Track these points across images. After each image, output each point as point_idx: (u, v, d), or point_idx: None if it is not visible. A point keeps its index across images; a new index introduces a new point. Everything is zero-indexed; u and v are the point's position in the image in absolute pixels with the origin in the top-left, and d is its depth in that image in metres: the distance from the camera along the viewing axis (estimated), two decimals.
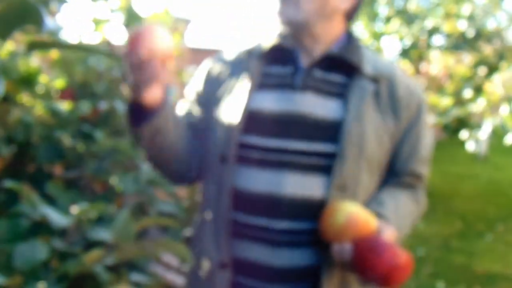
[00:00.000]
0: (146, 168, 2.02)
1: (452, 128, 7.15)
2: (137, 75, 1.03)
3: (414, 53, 8.56)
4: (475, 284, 3.95)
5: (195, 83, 1.31)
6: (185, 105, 1.31)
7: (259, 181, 1.13)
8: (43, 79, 2.17)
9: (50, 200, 1.58)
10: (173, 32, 2.88)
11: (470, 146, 6.13)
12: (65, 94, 2.21)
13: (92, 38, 2.23)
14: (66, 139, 2.06)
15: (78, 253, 1.32)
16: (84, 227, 1.39)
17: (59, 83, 2.25)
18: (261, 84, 1.19)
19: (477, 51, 8.04)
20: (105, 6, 2.18)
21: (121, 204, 2.07)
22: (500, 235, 5.28)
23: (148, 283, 1.50)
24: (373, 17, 9.15)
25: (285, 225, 1.11)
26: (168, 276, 1.92)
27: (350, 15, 1.23)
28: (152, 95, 1.07)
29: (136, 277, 1.48)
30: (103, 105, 2.24)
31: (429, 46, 8.64)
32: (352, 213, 1.05)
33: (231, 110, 1.18)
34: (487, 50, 8.11)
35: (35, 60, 2.15)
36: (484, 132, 5.76)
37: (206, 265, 1.19)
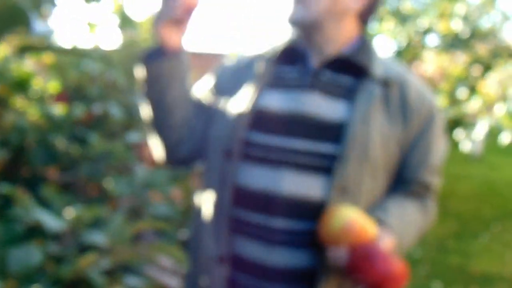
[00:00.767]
0: (141, 171, 2.02)
1: (447, 128, 7.17)
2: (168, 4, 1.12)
3: (408, 53, 8.57)
4: (471, 285, 3.96)
5: (205, 82, 1.32)
6: (197, 90, 1.32)
7: (259, 178, 1.13)
8: (36, 83, 2.16)
9: (45, 204, 1.57)
10: None
11: (465, 146, 6.14)
12: (59, 97, 2.21)
13: (85, 42, 2.22)
14: (60, 143, 2.06)
15: (73, 256, 1.32)
16: (79, 230, 1.38)
17: (53, 87, 2.24)
18: (271, 84, 1.20)
19: (472, 51, 8.05)
20: (98, 10, 2.18)
21: (115, 207, 2.06)
22: (496, 235, 5.28)
23: (143, 286, 1.50)
24: None
25: (283, 224, 1.11)
26: (164, 279, 1.91)
27: (364, 18, 1.22)
28: (172, 35, 1.14)
29: (131, 280, 1.48)
30: (97, 109, 2.24)
31: (423, 46, 8.65)
32: (351, 219, 1.04)
33: (239, 107, 1.18)
34: (482, 49, 8.12)
35: (28, 64, 2.14)
36: (479, 132, 5.76)
37: (203, 259, 1.19)
